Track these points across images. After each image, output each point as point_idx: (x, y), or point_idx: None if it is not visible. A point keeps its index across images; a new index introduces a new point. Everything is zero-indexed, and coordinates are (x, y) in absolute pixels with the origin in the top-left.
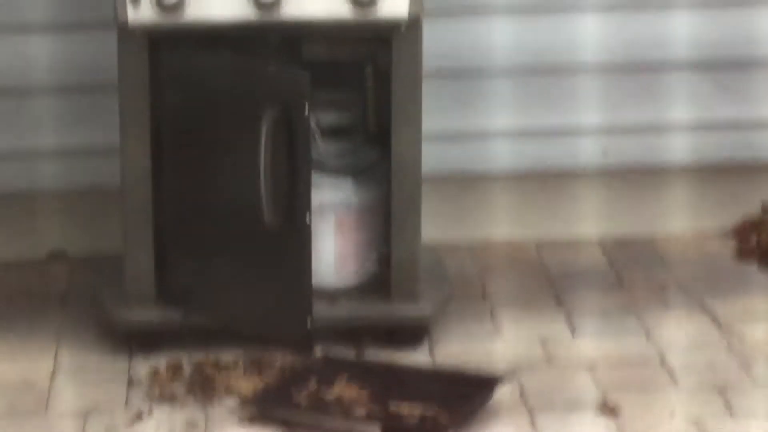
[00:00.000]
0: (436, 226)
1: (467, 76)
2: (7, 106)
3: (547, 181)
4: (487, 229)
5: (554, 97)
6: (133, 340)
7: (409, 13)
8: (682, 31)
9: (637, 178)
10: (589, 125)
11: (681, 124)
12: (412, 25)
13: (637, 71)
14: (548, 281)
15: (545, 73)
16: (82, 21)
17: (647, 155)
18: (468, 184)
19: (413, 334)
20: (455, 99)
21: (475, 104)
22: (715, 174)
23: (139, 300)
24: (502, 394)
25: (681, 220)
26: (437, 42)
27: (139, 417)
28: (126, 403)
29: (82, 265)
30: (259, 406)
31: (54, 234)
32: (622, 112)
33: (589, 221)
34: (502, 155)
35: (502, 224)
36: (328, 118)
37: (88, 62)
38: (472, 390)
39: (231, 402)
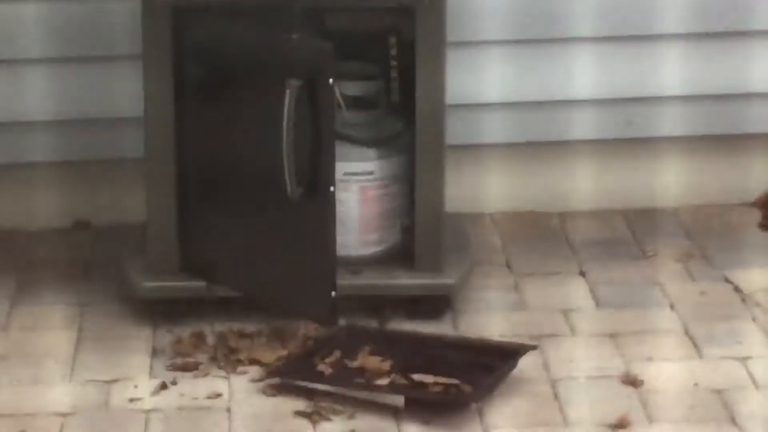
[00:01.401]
0: (460, 196)
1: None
2: (36, 74)
3: (569, 151)
4: (511, 199)
5: (574, 67)
6: (157, 310)
7: None
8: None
9: (661, 147)
10: (613, 93)
11: (706, 92)
12: None
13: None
14: (572, 252)
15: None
16: None
17: (671, 124)
18: (492, 153)
19: (437, 304)
20: None
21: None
22: (741, 144)
23: (162, 270)
24: (525, 364)
25: (705, 190)
26: None
27: (163, 386)
28: (150, 372)
29: (106, 235)
30: (281, 376)
31: (79, 204)
32: (647, 81)
33: (611, 191)
34: (521, 124)
35: (526, 194)
36: (352, 88)
37: (111, 33)
38: (495, 360)
39: (254, 372)
